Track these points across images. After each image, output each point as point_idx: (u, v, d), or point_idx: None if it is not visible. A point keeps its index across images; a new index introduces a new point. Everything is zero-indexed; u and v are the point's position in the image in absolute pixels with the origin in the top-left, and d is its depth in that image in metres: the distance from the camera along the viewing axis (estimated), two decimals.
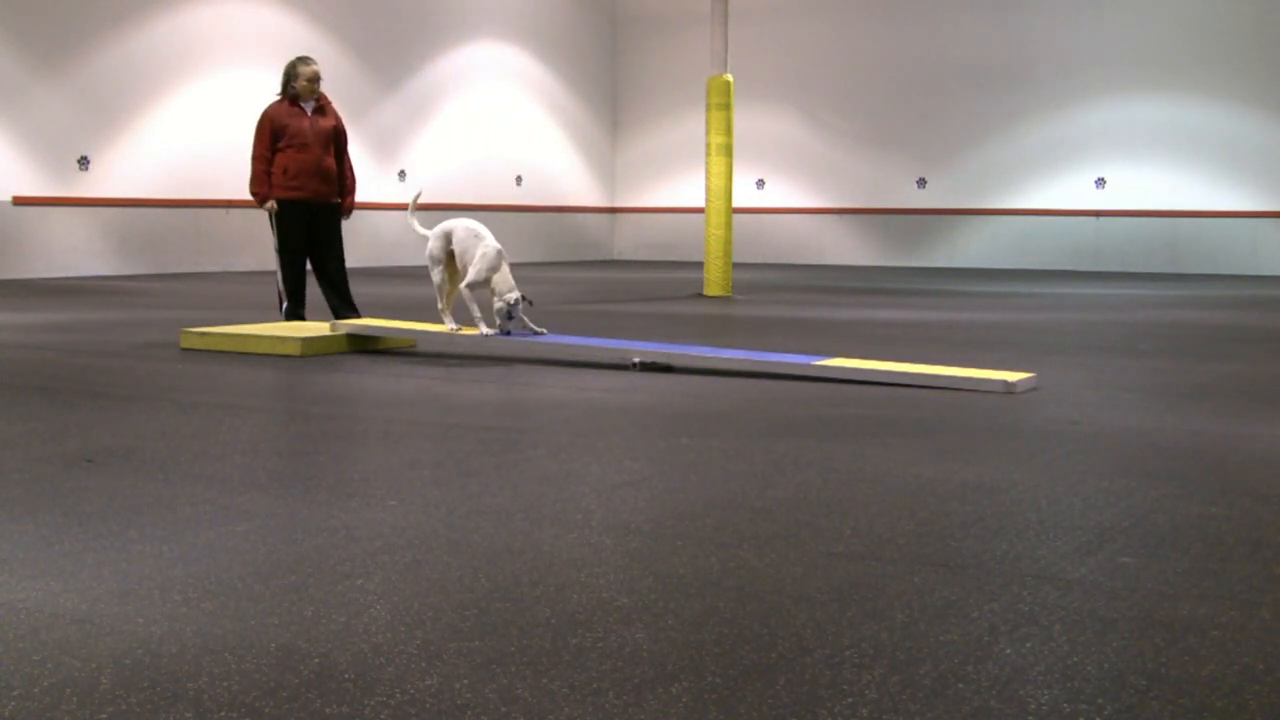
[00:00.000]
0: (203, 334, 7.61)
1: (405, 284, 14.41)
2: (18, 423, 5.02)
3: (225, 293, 12.90)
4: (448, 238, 7.34)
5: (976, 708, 2.20)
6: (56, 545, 3.19)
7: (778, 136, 21.68)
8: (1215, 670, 2.39)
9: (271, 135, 8.36)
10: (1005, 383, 6.01)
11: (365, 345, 7.58)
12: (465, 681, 2.30)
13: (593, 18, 22.99)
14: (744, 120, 18.52)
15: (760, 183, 21.94)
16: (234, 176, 16.93)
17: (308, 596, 2.79)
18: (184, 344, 7.65)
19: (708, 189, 13.18)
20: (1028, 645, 2.51)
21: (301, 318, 8.47)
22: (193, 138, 16.45)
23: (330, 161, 8.52)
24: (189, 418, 5.18)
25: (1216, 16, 18.78)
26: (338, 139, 8.63)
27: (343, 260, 8.69)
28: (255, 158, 8.42)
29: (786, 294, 13.83)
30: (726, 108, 13.05)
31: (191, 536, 3.29)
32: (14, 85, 14.69)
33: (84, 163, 15.41)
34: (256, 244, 17.23)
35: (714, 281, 13.08)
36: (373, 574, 2.97)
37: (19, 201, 14.81)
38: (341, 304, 8.53)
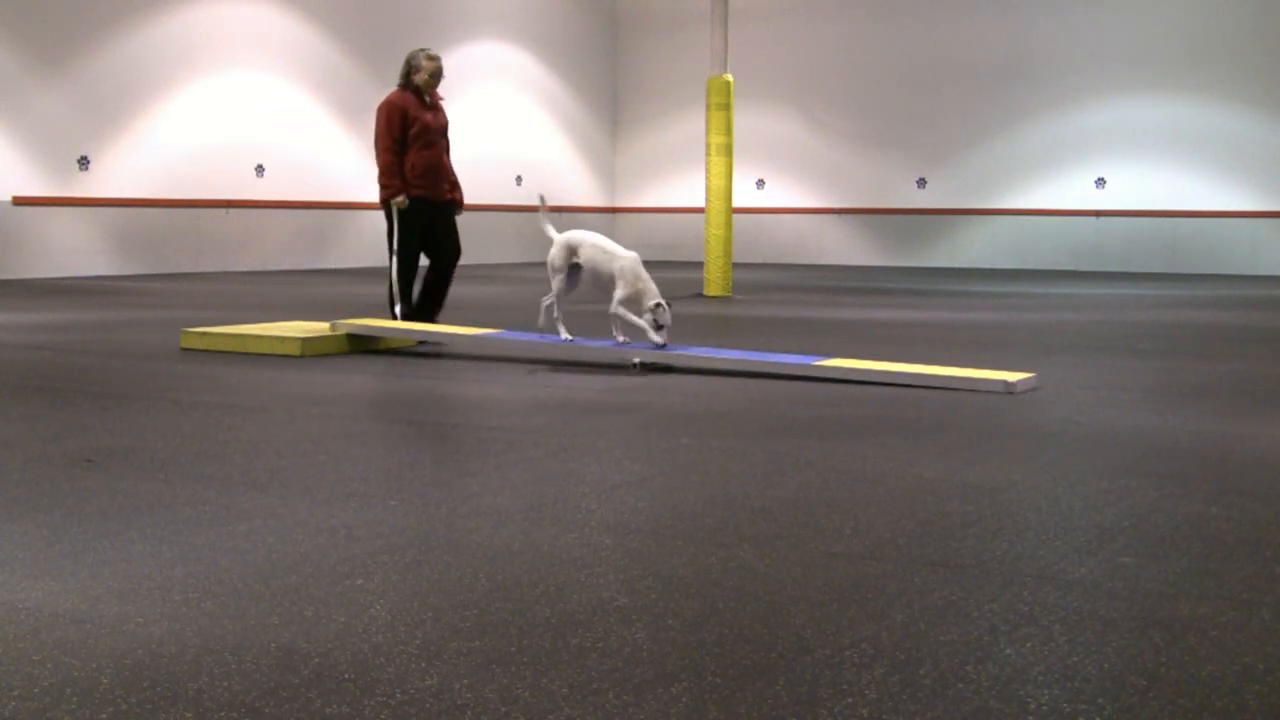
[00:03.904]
0: (203, 334, 7.61)
1: None
2: (18, 423, 5.02)
3: (225, 293, 12.90)
4: (572, 250, 7.08)
5: (976, 708, 2.20)
6: (56, 545, 3.19)
7: (778, 136, 21.68)
8: (1215, 670, 2.39)
9: (400, 125, 7.96)
10: (1005, 383, 6.01)
11: (365, 345, 7.58)
12: (465, 681, 2.30)
13: (593, 18, 22.99)
14: (744, 120, 18.53)
15: (760, 183, 21.94)
16: (234, 176, 16.98)
17: (308, 596, 2.79)
18: (184, 344, 7.65)
19: (708, 189, 13.18)
20: (1028, 645, 2.51)
21: (411, 317, 8.08)
22: (193, 138, 16.45)
23: (448, 160, 8.21)
24: (189, 418, 5.17)
25: (1216, 16, 18.78)
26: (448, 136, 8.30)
27: (457, 259, 8.30)
28: (385, 149, 7.94)
29: (786, 294, 13.82)
30: (726, 108, 13.05)
31: (191, 536, 3.29)
32: (14, 85, 14.69)
33: (84, 163, 15.41)
34: (256, 244, 17.26)
35: (714, 281, 13.08)
36: (373, 574, 2.96)
37: (19, 201, 14.80)
38: (433, 306, 8.18)
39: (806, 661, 2.41)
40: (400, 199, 7.94)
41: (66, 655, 2.41)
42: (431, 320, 8.14)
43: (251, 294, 12.62)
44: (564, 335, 7.14)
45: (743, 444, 4.69)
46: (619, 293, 6.89)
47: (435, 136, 8.09)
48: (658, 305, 6.84)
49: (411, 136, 7.98)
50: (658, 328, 6.84)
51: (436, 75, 8.11)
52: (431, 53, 8.20)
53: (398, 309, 8.04)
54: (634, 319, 6.91)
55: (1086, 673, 2.37)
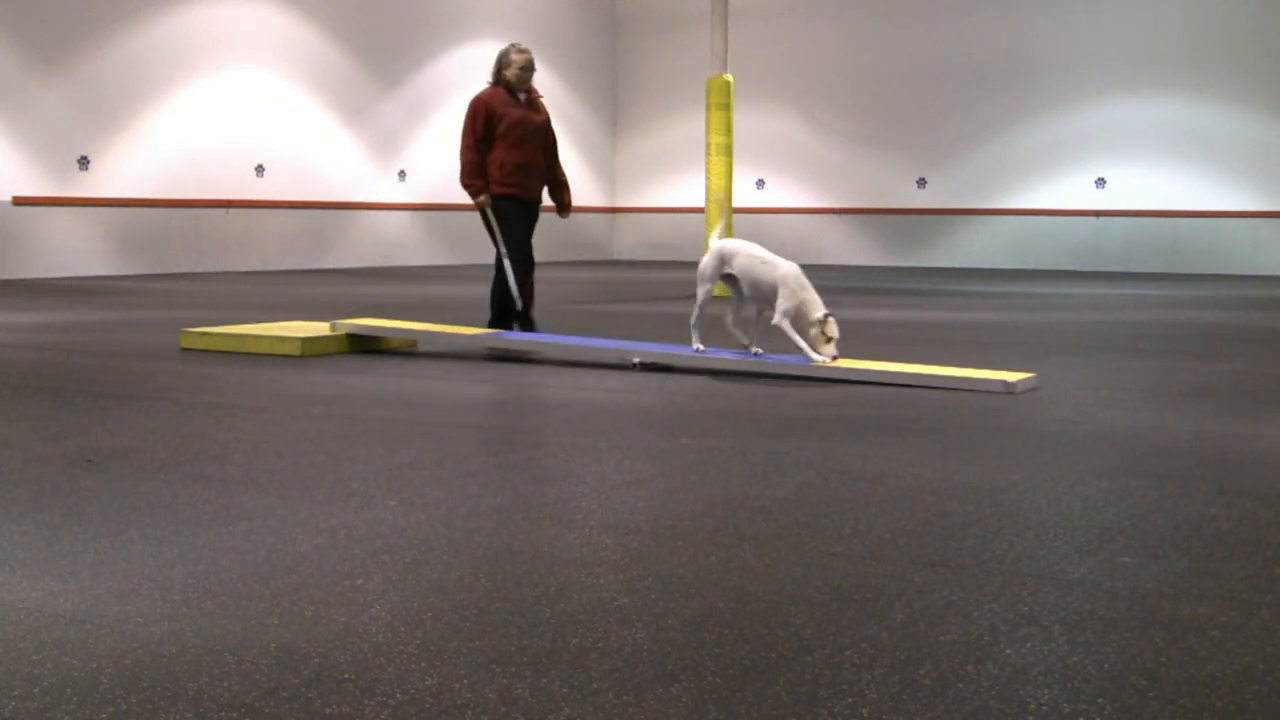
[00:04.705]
0: (203, 334, 7.61)
1: (405, 284, 14.42)
2: (18, 423, 5.02)
3: (225, 293, 12.90)
4: (724, 260, 6.74)
5: (976, 708, 2.20)
6: (56, 545, 3.19)
7: (778, 136, 21.68)
8: (1215, 670, 2.39)
9: (485, 123, 7.72)
10: (1005, 383, 6.01)
11: (365, 345, 7.58)
12: (465, 681, 2.30)
13: (593, 18, 22.99)
14: (744, 120, 18.51)
15: (760, 183, 21.94)
16: (234, 176, 16.98)
17: (308, 596, 2.79)
18: (184, 344, 7.65)
19: (708, 189, 13.18)
20: (1028, 645, 2.51)
21: (528, 315, 7.79)
22: (193, 138, 16.46)
23: (542, 158, 7.90)
24: (189, 418, 5.17)
25: (1216, 16, 18.78)
26: (549, 135, 8.03)
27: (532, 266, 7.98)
28: (466, 148, 7.72)
29: None
30: (726, 108, 13.04)
31: (191, 536, 3.29)
32: (14, 85, 14.69)
33: (84, 163, 15.41)
34: (256, 244, 17.26)
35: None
36: (373, 574, 2.96)
37: (19, 201, 14.81)
38: (509, 316, 7.84)
39: (806, 661, 2.41)
40: (481, 198, 7.73)
41: (66, 655, 2.41)
42: (534, 325, 7.80)
43: (251, 294, 12.63)
44: (753, 349, 6.73)
45: (743, 444, 4.69)
46: (782, 304, 6.50)
47: (527, 133, 7.79)
48: (826, 317, 6.48)
49: (500, 133, 7.72)
50: (827, 340, 6.48)
51: (528, 69, 7.87)
52: (521, 46, 7.98)
53: (519, 304, 7.72)
54: (797, 336, 6.54)
55: (1086, 673, 2.37)
